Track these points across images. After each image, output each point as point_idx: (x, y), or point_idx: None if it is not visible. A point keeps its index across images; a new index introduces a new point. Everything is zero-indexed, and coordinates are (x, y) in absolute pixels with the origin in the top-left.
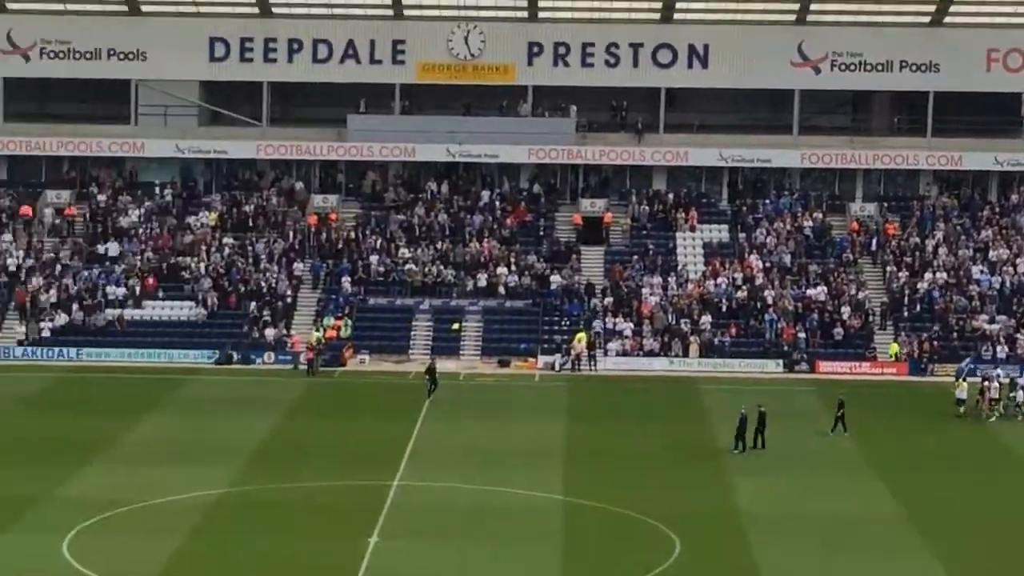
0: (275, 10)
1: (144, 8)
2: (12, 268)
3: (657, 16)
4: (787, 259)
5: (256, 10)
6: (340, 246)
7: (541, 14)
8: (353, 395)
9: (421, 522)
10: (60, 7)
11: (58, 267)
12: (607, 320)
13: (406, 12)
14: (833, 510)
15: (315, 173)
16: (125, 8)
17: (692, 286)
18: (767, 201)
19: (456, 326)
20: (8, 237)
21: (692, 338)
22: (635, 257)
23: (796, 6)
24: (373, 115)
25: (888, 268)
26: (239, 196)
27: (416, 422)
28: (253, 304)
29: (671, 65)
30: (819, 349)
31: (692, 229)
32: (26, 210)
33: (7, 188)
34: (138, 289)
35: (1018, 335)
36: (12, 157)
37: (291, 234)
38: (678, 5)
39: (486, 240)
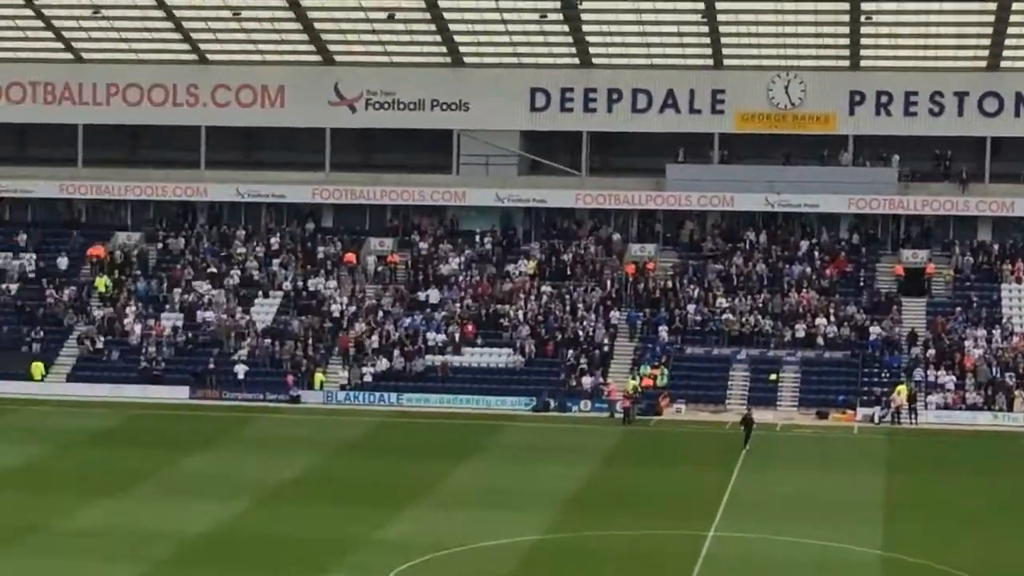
0: (595, 60)
1: (467, 59)
2: (336, 314)
3: (983, 64)
4: None
5: (576, 60)
6: (657, 295)
7: (863, 63)
8: (669, 444)
9: (737, 574)
10: (386, 59)
11: (380, 313)
12: (928, 373)
13: (726, 62)
14: None
15: (633, 222)
16: (448, 60)
17: (1017, 339)
18: None
19: (773, 376)
20: (333, 283)
21: (1017, 392)
22: (958, 309)
23: None
24: (692, 164)
25: None
26: (558, 245)
27: (732, 472)
28: (570, 352)
29: (997, 114)
30: None
31: (1018, 281)
32: (350, 257)
33: (332, 236)
34: (457, 336)
35: None
36: (337, 205)
37: (608, 283)
38: (1005, 53)
39: (805, 290)
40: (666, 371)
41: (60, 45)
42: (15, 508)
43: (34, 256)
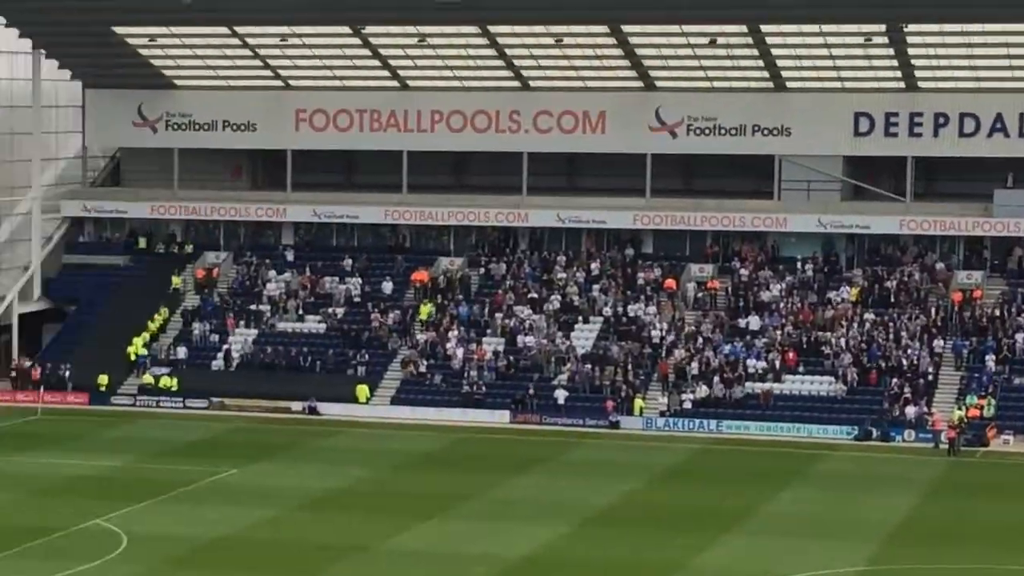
0: (921, 84)
1: (789, 84)
2: (656, 340)
3: None
4: None
5: (901, 84)
6: (984, 323)
7: None
8: (996, 476)
9: None
10: (707, 84)
11: (699, 339)
12: None
13: None
14: None
15: (959, 249)
16: (770, 84)
17: None
18: None
19: None
20: (652, 309)
21: None
22: None
23: None
24: (1021, 189)
25: None
26: (881, 271)
27: None
28: (893, 381)
29: None
30: None
31: None
32: (670, 283)
33: (652, 261)
34: (778, 363)
35: None
36: (657, 231)
37: (933, 310)
38: None
39: None
40: (993, 401)
41: (386, 73)
42: (341, 528)
43: (359, 281)
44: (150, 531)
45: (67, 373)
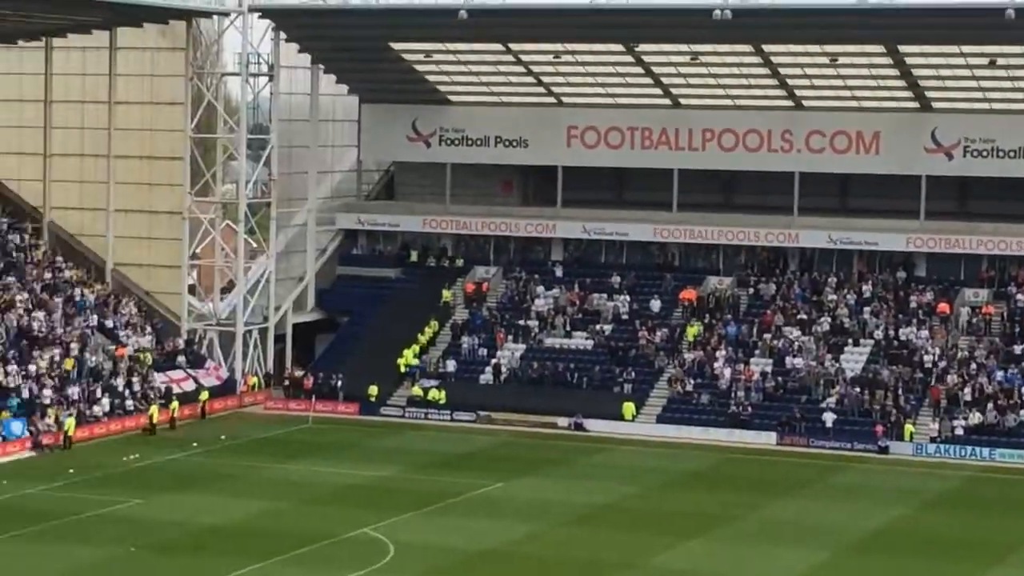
0: None
1: None
2: (927, 364)
3: None
4: None
5: None
6: None
7: None
8: None
9: None
10: (985, 106)
11: (973, 365)
12: None
13: None
14: None
15: None
16: None
17: None
18: None
19: None
20: (925, 333)
21: None
22: None
23: None
24: None
25: None
26: None
27: None
28: None
29: None
30: None
31: None
32: (943, 307)
33: (925, 285)
34: None
35: None
36: (931, 254)
37: None
38: None
39: None
40: None
41: (658, 91)
42: (606, 544)
43: (627, 298)
44: (417, 541)
45: (339, 383)
